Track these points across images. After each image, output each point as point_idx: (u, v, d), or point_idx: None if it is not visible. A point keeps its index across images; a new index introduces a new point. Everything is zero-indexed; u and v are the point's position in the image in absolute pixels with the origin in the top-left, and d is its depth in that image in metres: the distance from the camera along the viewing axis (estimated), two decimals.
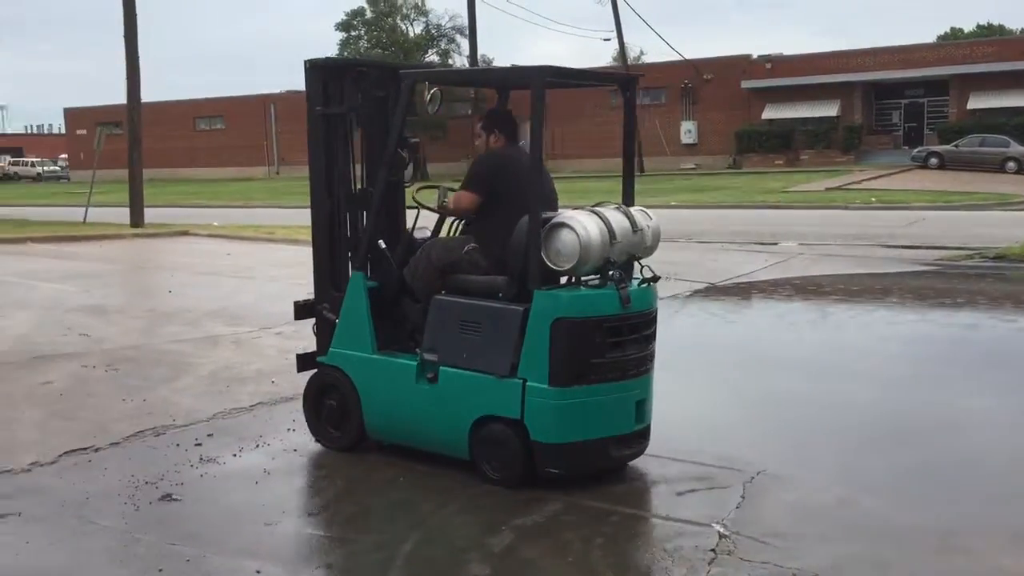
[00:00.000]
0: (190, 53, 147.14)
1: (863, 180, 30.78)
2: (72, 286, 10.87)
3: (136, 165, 21.53)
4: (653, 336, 4.74)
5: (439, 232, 5.36)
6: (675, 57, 45.90)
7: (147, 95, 23.07)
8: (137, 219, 21.12)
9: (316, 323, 5.39)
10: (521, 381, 4.44)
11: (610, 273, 4.48)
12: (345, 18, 48.64)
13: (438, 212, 5.20)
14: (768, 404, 6.21)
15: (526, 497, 4.40)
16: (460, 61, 49.01)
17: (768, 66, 44.56)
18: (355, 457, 5.01)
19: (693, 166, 44.48)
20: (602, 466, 4.61)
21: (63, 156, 67.22)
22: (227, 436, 5.39)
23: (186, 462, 4.94)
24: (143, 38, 21.40)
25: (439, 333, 4.73)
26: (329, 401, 5.18)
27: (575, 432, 4.44)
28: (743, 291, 10.90)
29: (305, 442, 5.23)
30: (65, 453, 5.03)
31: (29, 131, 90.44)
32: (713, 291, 10.76)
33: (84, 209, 22.36)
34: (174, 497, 4.48)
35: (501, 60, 46.88)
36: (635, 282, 4.69)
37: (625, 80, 5.29)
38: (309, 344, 5.50)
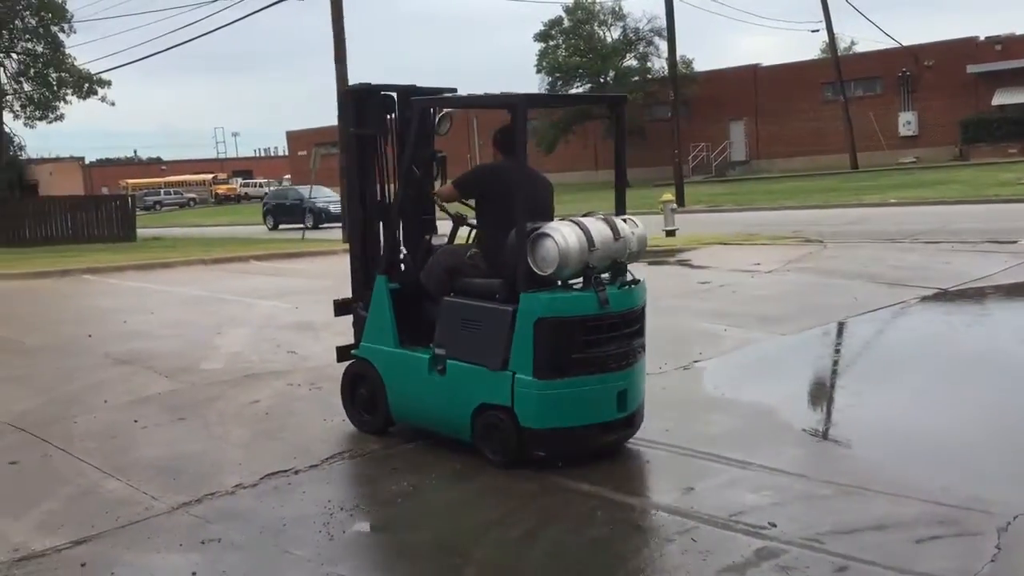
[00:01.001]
0: (395, 72, 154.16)
1: None
2: (285, 303, 11.30)
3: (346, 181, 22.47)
4: (639, 333, 5.20)
5: (453, 239, 5.98)
6: (891, 44, 43.10)
7: None
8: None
9: (354, 319, 6.03)
10: (511, 373, 4.94)
11: (592, 278, 4.94)
12: (543, 28, 49.04)
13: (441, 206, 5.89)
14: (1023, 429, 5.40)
15: (741, 537, 3.96)
16: (659, 64, 48.27)
17: (998, 47, 40.90)
18: (547, 484, 4.73)
19: (912, 160, 41.48)
20: (585, 450, 5.04)
21: (287, 176, 71.91)
22: (423, 459, 5.26)
23: (382, 488, 4.84)
24: (353, 60, 22.35)
25: (447, 330, 5.29)
26: (360, 390, 5.85)
27: (557, 419, 4.93)
28: (980, 297, 9.80)
29: (492, 468, 5.00)
30: (267, 475, 5.06)
31: (258, 154, 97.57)
32: (945, 297, 9.74)
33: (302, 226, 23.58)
34: (369, 526, 4.37)
35: (701, 60, 45.79)
36: (616, 284, 5.09)
37: (614, 100, 5.76)
38: None
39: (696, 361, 7.36)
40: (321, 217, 31.37)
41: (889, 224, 17.99)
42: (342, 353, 6.13)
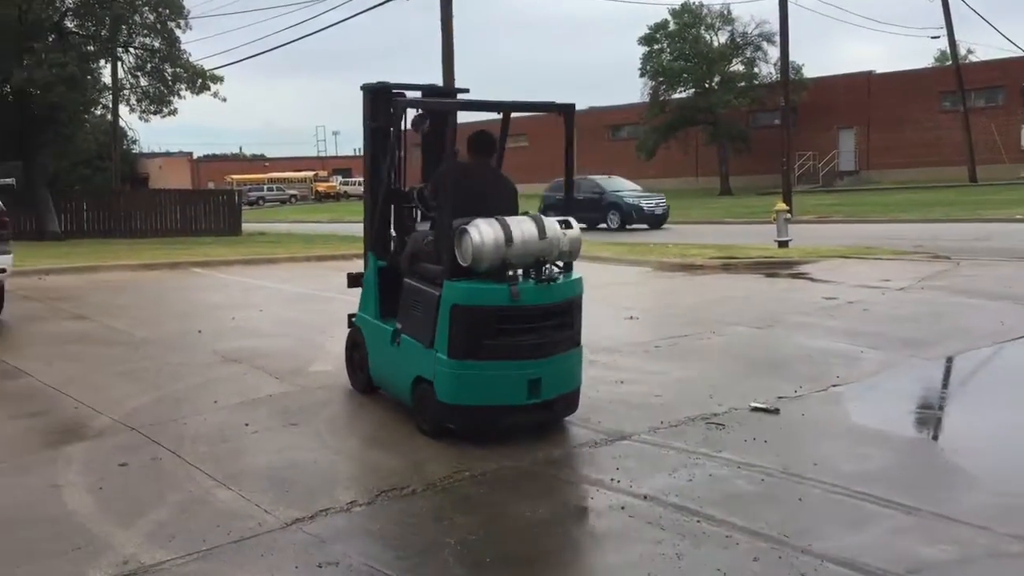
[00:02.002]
0: (496, 75, 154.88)
1: None
2: None
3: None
4: (562, 326, 5.59)
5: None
6: (1015, 53, 40.98)
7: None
8: None
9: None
10: (435, 352, 5.44)
11: (506, 272, 5.40)
12: (648, 32, 48.29)
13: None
14: None
15: None
16: (766, 69, 47.02)
17: None
18: (695, 518, 4.28)
19: None
20: (493, 427, 5.50)
21: None
22: (550, 483, 4.87)
23: (511, 514, 4.46)
24: (459, 61, 22.20)
25: (403, 307, 5.94)
26: (354, 352, 6.67)
27: (467, 397, 5.41)
28: None
29: (633, 496, 4.57)
30: (382, 492, 4.72)
31: (357, 153, 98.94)
32: None
33: None
34: (504, 559, 3.99)
35: (812, 66, 44.38)
36: (533, 280, 5.48)
37: (562, 108, 6.00)
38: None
39: (834, 385, 6.79)
40: (631, 215, 25.72)
41: (1019, 241, 16.89)
42: (350, 320, 6.85)
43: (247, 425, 5.90)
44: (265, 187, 72.43)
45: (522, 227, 5.44)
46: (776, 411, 6.11)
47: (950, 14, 40.56)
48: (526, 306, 5.37)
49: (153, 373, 7.50)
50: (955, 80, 40.16)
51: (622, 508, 4.48)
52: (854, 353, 7.82)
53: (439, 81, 22.24)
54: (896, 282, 11.78)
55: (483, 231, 5.33)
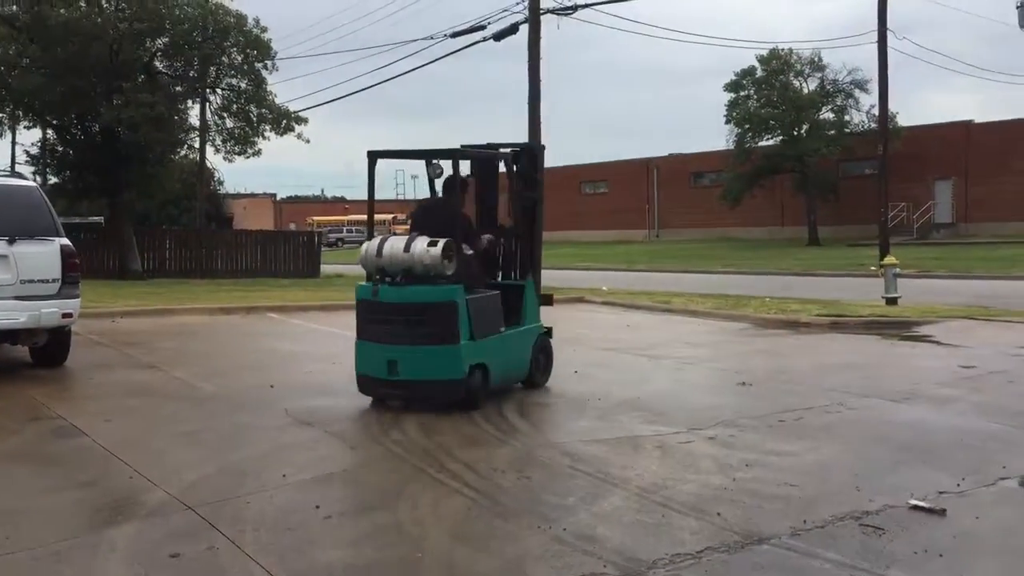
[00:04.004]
0: (578, 119, 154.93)
1: None
2: None
3: (537, 230, 21.60)
4: (415, 323, 7.07)
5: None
6: None
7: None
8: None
9: None
10: None
11: (373, 275, 7.40)
12: (734, 78, 47.24)
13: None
14: None
15: None
16: (858, 117, 45.55)
17: None
18: None
19: None
20: (374, 395, 7.51)
21: None
22: None
23: None
24: (543, 109, 21.61)
25: None
26: None
27: (360, 367, 7.47)
28: None
29: None
30: None
31: None
32: None
33: None
34: None
35: (904, 115, 42.63)
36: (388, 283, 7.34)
37: (451, 154, 7.53)
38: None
39: (1003, 478, 5.73)
40: None
41: None
42: None
43: (318, 508, 5.08)
44: (345, 228, 72.97)
45: (393, 243, 7.22)
46: (942, 512, 5.08)
47: None
48: (382, 302, 7.22)
49: (218, 436, 6.79)
50: None
51: None
52: (1015, 437, 6.73)
53: (513, 128, 21.66)
54: None
55: (368, 245, 7.32)
